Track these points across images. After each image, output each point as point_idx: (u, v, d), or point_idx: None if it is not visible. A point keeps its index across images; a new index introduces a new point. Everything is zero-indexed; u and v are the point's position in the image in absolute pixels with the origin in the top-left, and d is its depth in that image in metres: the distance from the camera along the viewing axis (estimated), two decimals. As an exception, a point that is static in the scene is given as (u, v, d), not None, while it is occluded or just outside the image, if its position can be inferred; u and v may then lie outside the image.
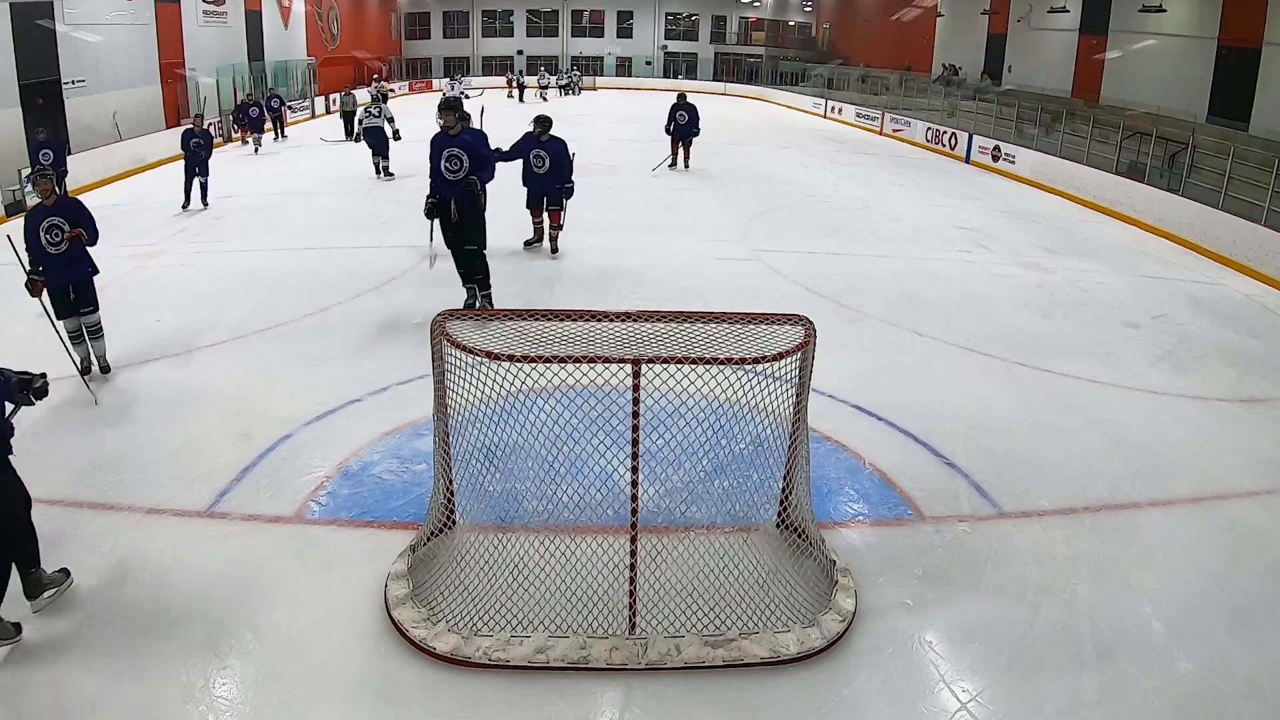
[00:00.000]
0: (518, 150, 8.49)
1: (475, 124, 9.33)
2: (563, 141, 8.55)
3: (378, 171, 13.24)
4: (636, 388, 3.15)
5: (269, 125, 17.65)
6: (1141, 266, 9.66)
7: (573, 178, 8.66)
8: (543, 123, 8.48)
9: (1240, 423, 5.60)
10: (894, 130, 21.24)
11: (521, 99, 28.91)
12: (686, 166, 14.67)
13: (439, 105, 6.95)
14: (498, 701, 3.04)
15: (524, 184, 8.74)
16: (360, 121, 13.43)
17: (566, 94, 31.87)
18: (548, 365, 3.22)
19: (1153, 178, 12.43)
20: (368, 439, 4.84)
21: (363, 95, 19.78)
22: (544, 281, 7.93)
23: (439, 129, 6.84)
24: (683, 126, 14.33)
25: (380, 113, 13.00)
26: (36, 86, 12.88)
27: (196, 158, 11.00)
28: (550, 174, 8.48)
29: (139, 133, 15.19)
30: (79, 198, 6.28)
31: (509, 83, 32.15)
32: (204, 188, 11.26)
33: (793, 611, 3.43)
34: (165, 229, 9.98)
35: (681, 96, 14.37)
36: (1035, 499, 4.49)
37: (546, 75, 31.65)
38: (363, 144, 13.32)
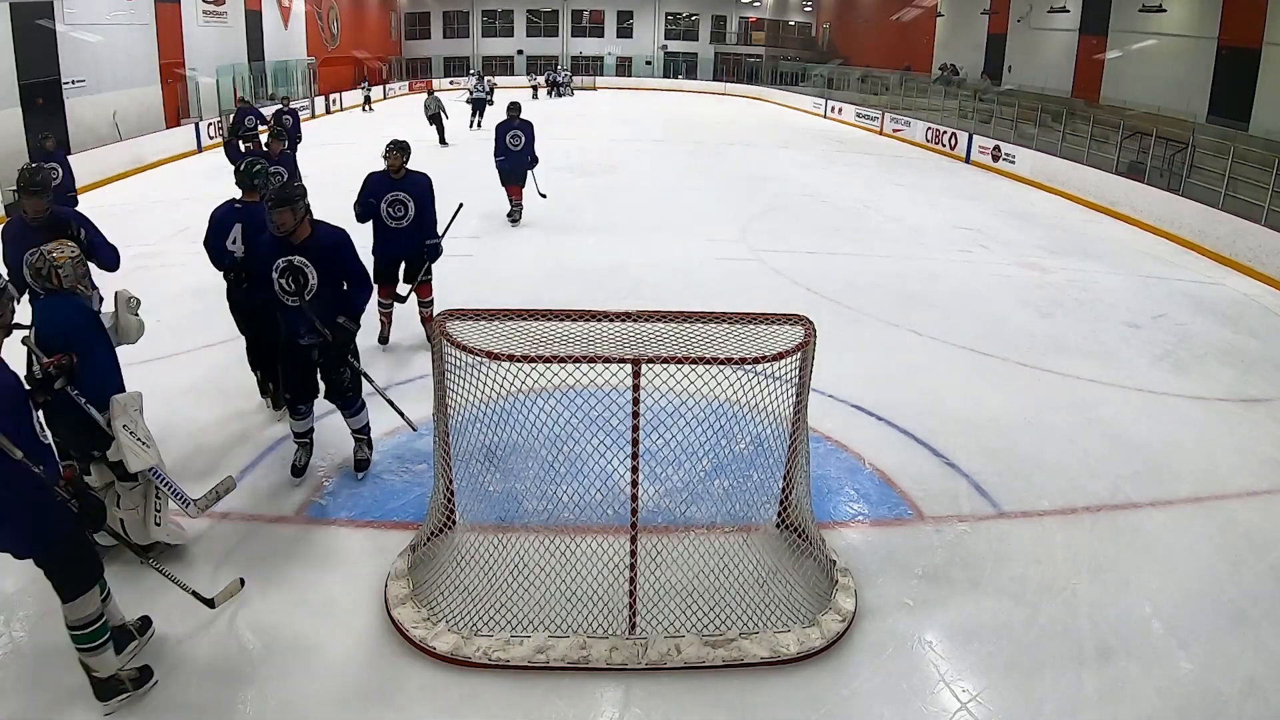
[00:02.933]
0: (364, 202, 5.84)
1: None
2: (426, 177, 5.92)
3: (472, 127, 19.87)
4: (636, 388, 3.14)
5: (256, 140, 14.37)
6: (1141, 266, 9.66)
7: (440, 233, 6.00)
8: (401, 151, 5.78)
9: (1240, 423, 5.60)
10: (894, 130, 21.25)
11: (535, 96, 29.50)
12: (517, 218, 10.15)
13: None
14: (498, 701, 3.04)
15: (374, 250, 5.88)
16: (472, 92, 21.09)
17: (557, 95, 31.72)
18: (548, 365, 3.21)
19: (1153, 178, 12.44)
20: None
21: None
22: (544, 281, 7.92)
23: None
24: (517, 155, 9.58)
25: (482, 89, 20.97)
26: (36, 86, 12.88)
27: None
28: (412, 229, 5.83)
29: (139, 133, 15.20)
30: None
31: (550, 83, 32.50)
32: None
33: (793, 611, 3.43)
34: (165, 229, 9.97)
35: (514, 110, 9.64)
36: (1035, 499, 4.49)
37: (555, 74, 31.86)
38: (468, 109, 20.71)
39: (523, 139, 9.54)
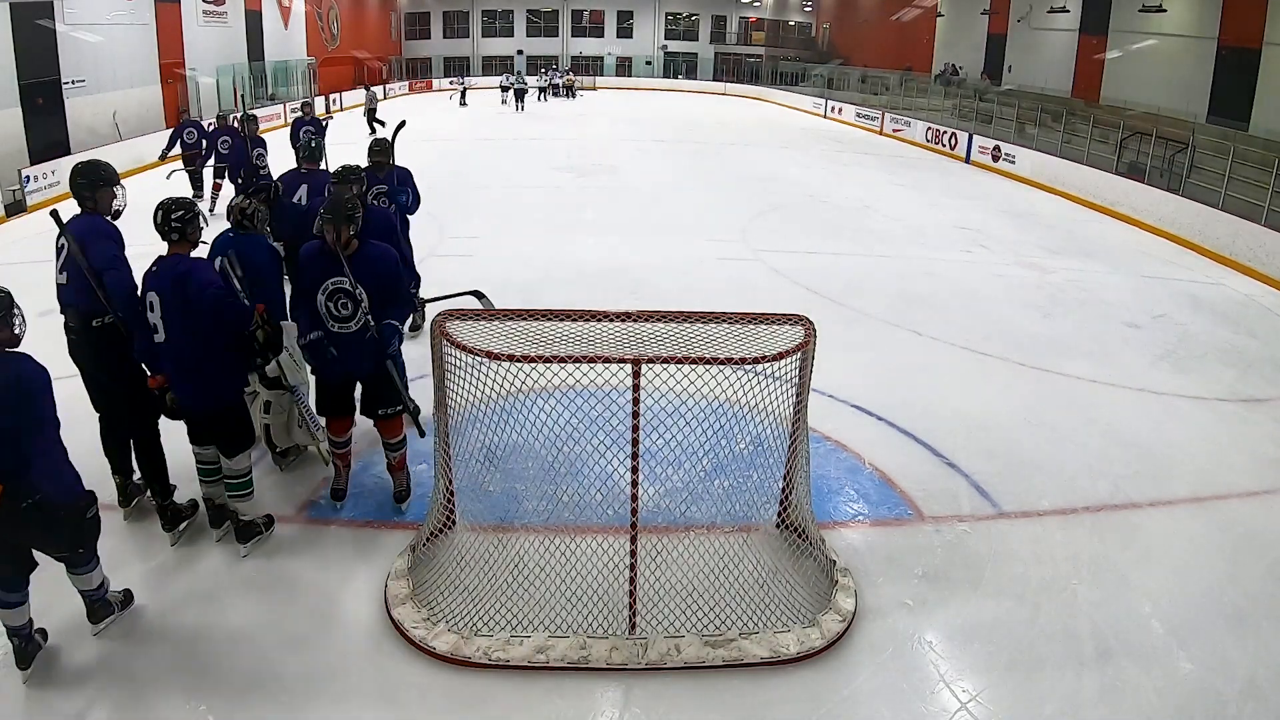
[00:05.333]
0: (302, 294, 3.85)
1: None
2: (389, 254, 3.83)
3: (517, 110, 25.24)
4: (636, 388, 3.15)
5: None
6: (1141, 266, 9.66)
7: (401, 347, 3.93)
8: (347, 219, 3.62)
9: (1240, 423, 5.60)
10: (894, 130, 21.25)
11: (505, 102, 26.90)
12: (418, 324, 6.25)
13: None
14: (498, 701, 3.05)
15: (314, 370, 4.05)
16: (515, 83, 26.24)
17: (560, 95, 31.34)
18: (548, 365, 3.22)
19: (1153, 178, 12.45)
20: (368, 439, 4.82)
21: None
22: (544, 281, 7.92)
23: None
24: (378, 218, 4.62)
25: (519, 80, 26.44)
26: (36, 86, 12.88)
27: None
28: (365, 332, 3.76)
29: (139, 133, 15.18)
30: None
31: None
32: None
33: (793, 611, 3.43)
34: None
35: (378, 153, 5.88)
36: (1035, 499, 4.49)
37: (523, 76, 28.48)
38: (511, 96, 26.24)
39: (392, 196, 5.83)
